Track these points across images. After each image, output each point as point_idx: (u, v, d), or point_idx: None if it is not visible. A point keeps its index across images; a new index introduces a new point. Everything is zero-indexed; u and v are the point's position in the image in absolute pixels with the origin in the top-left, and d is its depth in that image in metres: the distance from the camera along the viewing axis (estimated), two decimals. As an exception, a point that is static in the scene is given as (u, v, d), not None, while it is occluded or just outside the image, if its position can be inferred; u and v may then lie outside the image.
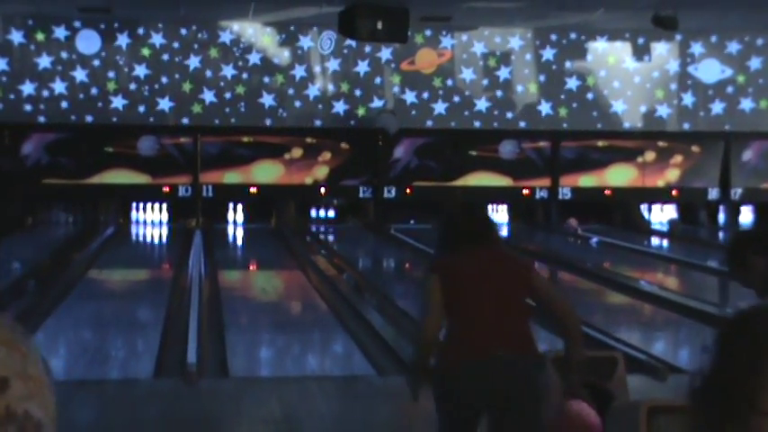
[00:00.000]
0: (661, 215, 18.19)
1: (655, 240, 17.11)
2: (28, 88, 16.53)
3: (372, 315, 9.07)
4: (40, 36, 16.52)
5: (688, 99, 17.82)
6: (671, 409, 2.88)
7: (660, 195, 17.79)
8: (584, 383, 4.09)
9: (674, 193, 17.68)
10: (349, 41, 16.36)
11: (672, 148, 17.68)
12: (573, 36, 17.49)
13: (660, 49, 17.71)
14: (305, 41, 17.00)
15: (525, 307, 4.10)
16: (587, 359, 4.12)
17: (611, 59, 17.65)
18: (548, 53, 17.53)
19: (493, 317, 3.98)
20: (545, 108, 17.58)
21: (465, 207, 4.57)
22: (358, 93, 17.14)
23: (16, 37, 16.50)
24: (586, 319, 9.00)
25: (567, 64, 17.58)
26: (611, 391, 4.11)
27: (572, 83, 17.62)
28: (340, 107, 17.14)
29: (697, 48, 17.74)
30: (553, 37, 17.47)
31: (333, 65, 17.09)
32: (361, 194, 17.07)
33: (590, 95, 17.68)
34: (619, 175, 17.60)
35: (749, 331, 1.49)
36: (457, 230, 4.15)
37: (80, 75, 16.63)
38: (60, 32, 16.53)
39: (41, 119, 16.50)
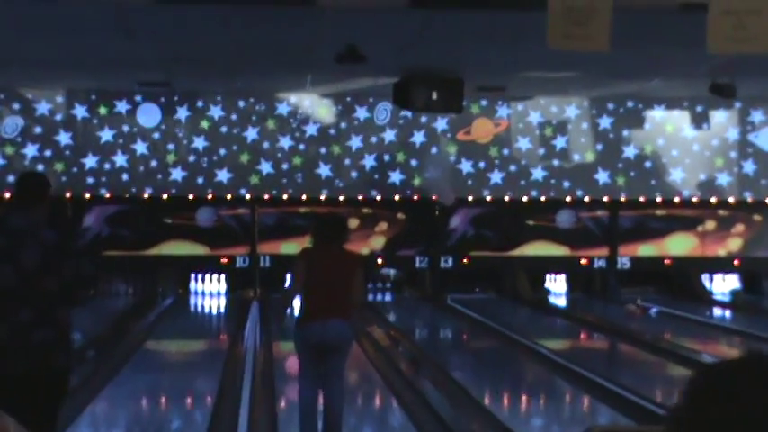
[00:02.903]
0: (723, 285, 17.85)
1: (717, 311, 16.77)
2: (90, 161, 16.86)
3: (428, 388, 8.97)
4: (102, 110, 16.89)
5: (749, 167, 17.58)
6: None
7: (721, 265, 17.48)
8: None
9: (735, 262, 17.36)
10: (405, 112, 16.47)
11: (733, 217, 17.41)
12: (630, 104, 17.42)
13: (719, 116, 17.56)
14: (361, 112, 17.15)
15: (349, 288, 6.26)
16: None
17: (669, 127, 17.52)
18: (604, 121, 17.47)
19: (327, 293, 6.21)
20: (602, 177, 17.46)
21: (326, 217, 7.15)
22: (414, 163, 17.20)
23: (80, 111, 16.89)
24: (645, 392, 8.81)
25: (625, 132, 17.49)
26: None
27: (629, 151, 17.50)
28: (396, 177, 17.20)
29: (757, 115, 17.55)
30: (610, 106, 17.42)
31: (389, 135, 17.20)
32: (417, 264, 17.02)
33: (648, 164, 17.54)
34: (678, 245, 17.36)
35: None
36: (317, 232, 6.48)
37: (140, 147, 16.94)
38: (122, 106, 16.89)
39: (103, 191, 16.79)
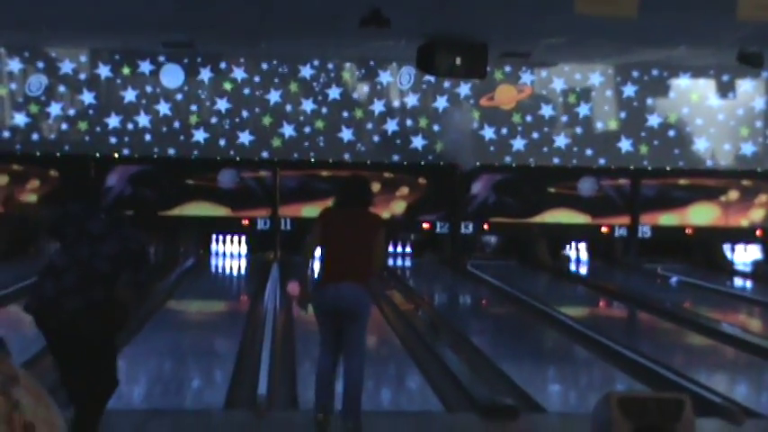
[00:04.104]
0: (745, 255, 17.78)
1: (738, 281, 16.72)
2: (113, 121, 16.92)
3: (445, 352, 9.01)
4: (126, 70, 16.92)
5: (774, 137, 17.46)
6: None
7: (744, 235, 17.41)
8: (649, 425, 4.01)
9: (758, 233, 17.28)
10: (428, 77, 16.41)
11: (756, 187, 17.31)
12: (655, 73, 17.30)
13: (745, 86, 17.41)
14: (384, 76, 17.11)
15: (368, 252, 5.98)
16: (655, 400, 4.06)
17: (694, 96, 17.40)
18: (629, 90, 17.36)
19: (344, 256, 5.96)
20: (625, 145, 17.38)
21: (349, 178, 6.65)
22: (436, 128, 17.17)
23: (103, 71, 16.92)
24: (665, 360, 8.82)
25: (649, 101, 17.38)
26: (679, 434, 4.01)
27: (653, 120, 17.40)
28: (418, 142, 17.18)
29: (783, 85, 17.41)
30: (635, 73, 17.30)
31: (411, 100, 17.16)
32: (437, 230, 17.04)
33: (672, 133, 17.44)
34: (701, 214, 17.29)
35: None
36: (339, 193, 6.26)
37: (163, 108, 16.98)
38: (145, 67, 16.91)
39: (126, 151, 16.86)
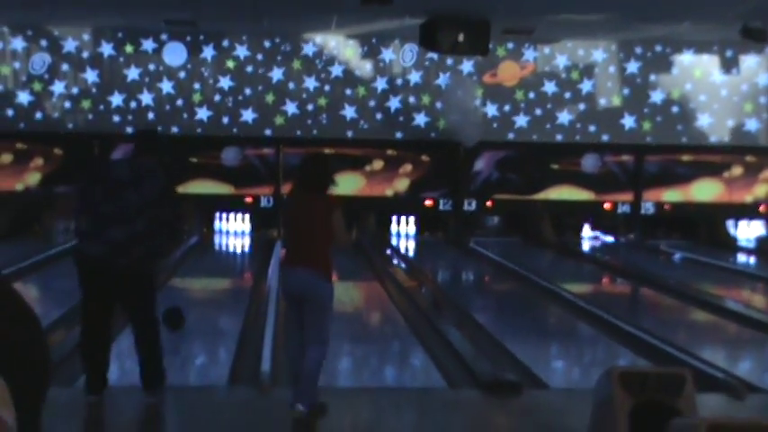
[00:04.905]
0: (748, 231, 17.79)
1: (741, 257, 16.73)
2: (117, 99, 16.92)
3: (449, 329, 9.04)
4: (128, 48, 16.90)
5: (778, 113, 17.42)
6: (732, 427, 2.80)
7: (747, 211, 17.40)
8: (650, 400, 4.03)
9: (761, 208, 17.28)
10: (431, 54, 16.38)
11: (760, 163, 17.29)
12: (658, 49, 17.25)
13: (749, 61, 17.36)
14: (387, 54, 17.08)
15: (322, 235, 5.82)
16: (656, 375, 4.08)
17: (697, 72, 17.36)
18: (632, 66, 17.32)
19: (298, 240, 5.85)
20: (628, 121, 17.36)
21: (305, 158, 6.22)
22: (439, 105, 17.15)
23: (106, 49, 16.91)
24: (668, 336, 8.85)
25: (652, 77, 17.34)
26: (678, 409, 4.03)
27: (656, 96, 17.37)
28: (421, 119, 17.16)
29: (788, 60, 17.35)
30: (638, 50, 17.26)
31: (414, 77, 17.13)
32: (441, 207, 17.05)
33: (675, 109, 17.41)
34: (704, 190, 17.28)
35: None
36: (297, 176, 6.03)
37: (166, 86, 16.97)
38: (148, 45, 16.89)
39: (129, 129, 16.87)
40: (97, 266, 5.97)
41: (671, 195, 17.28)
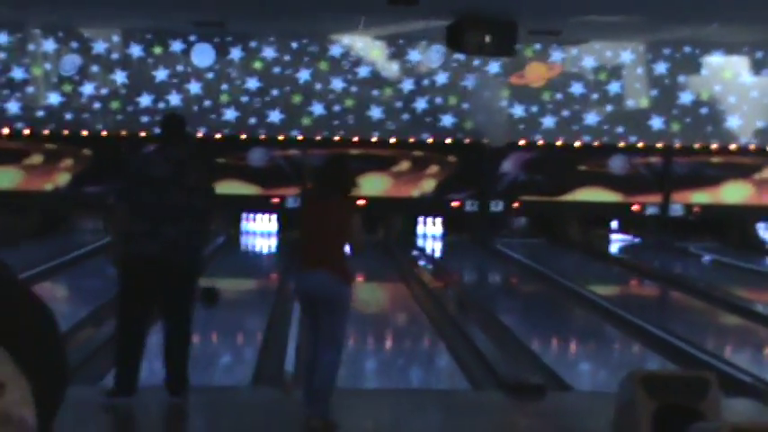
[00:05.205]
0: (778, 234, 17.62)
1: (770, 260, 16.59)
2: (145, 100, 17.02)
3: (473, 331, 9.02)
4: (157, 50, 17.00)
5: (808, 114, 17.26)
6: (754, 431, 2.78)
7: (777, 214, 17.25)
8: (673, 404, 4.01)
9: (792, 211, 17.12)
10: (457, 55, 16.36)
11: (790, 165, 17.14)
12: (687, 50, 17.14)
13: (779, 63, 17.21)
14: (413, 55, 17.08)
15: (341, 238, 5.69)
16: (679, 378, 4.05)
17: (726, 74, 17.23)
18: (660, 67, 17.22)
19: (316, 242, 5.69)
20: (656, 123, 17.26)
21: (325, 160, 6.41)
22: (466, 106, 17.13)
23: (135, 51, 17.02)
24: (696, 339, 8.79)
25: (681, 78, 17.23)
26: (702, 412, 4.00)
27: (685, 97, 17.26)
28: (448, 120, 17.15)
29: (818, 62, 17.18)
30: (666, 50, 17.15)
31: (441, 78, 17.12)
32: (467, 208, 17.02)
33: (704, 110, 17.29)
34: (733, 193, 17.14)
35: None
36: (317, 176, 6.06)
37: (194, 87, 17.06)
38: (177, 46, 16.98)
39: (157, 130, 16.93)
40: (151, 266, 5.96)
41: (700, 197, 17.15)
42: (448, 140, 17.01)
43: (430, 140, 17.02)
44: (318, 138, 16.98)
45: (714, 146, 17.18)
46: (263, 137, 16.99)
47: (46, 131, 16.83)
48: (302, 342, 5.95)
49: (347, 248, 5.76)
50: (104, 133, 16.89)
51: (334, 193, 5.71)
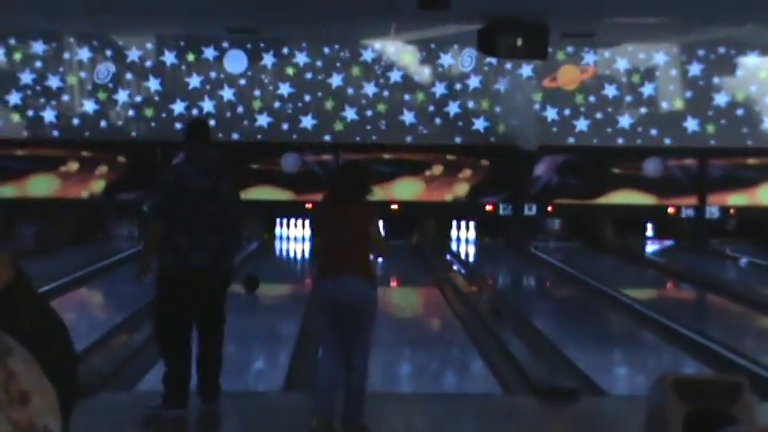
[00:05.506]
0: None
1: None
2: (179, 107, 17.14)
3: (507, 336, 8.99)
4: (190, 56, 17.12)
5: None
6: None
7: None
8: (705, 408, 3.97)
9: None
10: (489, 58, 16.33)
11: (828, 167, 16.94)
12: (721, 51, 16.99)
13: (816, 63, 17.02)
14: (445, 59, 17.07)
15: (366, 242, 5.65)
16: (711, 382, 4.01)
17: (762, 74, 17.06)
18: (694, 68, 17.09)
19: (340, 248, 5.63)
20: (691, 125, 17.12)
21: (344, 166, 6.64)
22: (498, 109, 17.09)
23: (169, 58, 17.15)
24: (733, 343, 8.70)
25: (716, 79, 17.09)
26: (734, 417, 3.95)
27: (720, 99, 17.11)
28: (480, 124, 17.12)
29: None
30: (700, 52, 17.01)
31: (473, 82, 17.09)
32: (500, 212, 16.98)
33: (739, 111, 17.13)
34: (770, 194, 16.96)
35: None
36: (332, 182, 6.18)
37: (227, 94, 17.15)
38: (209, 53, 17.09)
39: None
40: (197, 276, 5.99)
41: (736, 199, 17.00)
42: (481, 144, 16.98)
43: (462, 144, 16.99)
44: (351, 142, 17.00)
45: (750, 147, 17.02)
46: (295, 142, 17.04)
47: (82, 138, 17.00)
48: (323, 355, 5.64)
49: (371, 253, 5.76)
50: (139, 140, 17.01)
51: (351, 199, 5.71)
